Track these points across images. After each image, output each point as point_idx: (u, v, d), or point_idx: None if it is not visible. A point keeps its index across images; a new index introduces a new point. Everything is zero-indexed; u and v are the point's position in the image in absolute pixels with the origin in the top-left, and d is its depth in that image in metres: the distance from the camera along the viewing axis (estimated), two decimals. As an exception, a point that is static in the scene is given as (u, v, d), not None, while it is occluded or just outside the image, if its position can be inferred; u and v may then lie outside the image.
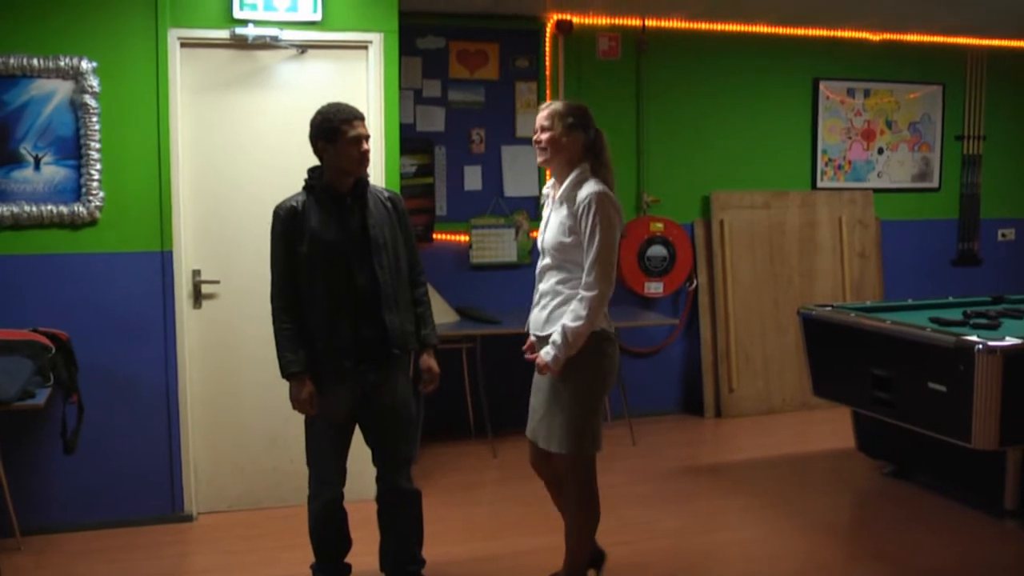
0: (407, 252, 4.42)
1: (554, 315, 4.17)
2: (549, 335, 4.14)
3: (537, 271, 4.32)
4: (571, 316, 4.03)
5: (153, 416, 5.56)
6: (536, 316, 4.29)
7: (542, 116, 4.22)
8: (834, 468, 6.60)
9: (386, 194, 4.44)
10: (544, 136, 4.19)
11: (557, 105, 4.23)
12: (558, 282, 4.18)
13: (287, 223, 4.21)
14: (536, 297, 4.32)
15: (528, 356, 4.37)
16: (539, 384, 4.29)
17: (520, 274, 7.58)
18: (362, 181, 4.28)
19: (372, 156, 4.33)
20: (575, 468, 4.26)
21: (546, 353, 4.09)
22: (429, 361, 4.51)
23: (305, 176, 4.30)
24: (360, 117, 4.23)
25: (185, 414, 5.61)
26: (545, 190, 4.38)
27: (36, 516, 5.38)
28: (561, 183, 4.22)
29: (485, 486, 6.40)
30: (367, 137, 4.23)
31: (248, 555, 5.18)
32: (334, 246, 4.17)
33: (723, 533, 5.47)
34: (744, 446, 7.29)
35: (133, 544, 5.32)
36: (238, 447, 5.80)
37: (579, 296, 4.05)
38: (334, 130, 4.14)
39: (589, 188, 4.09)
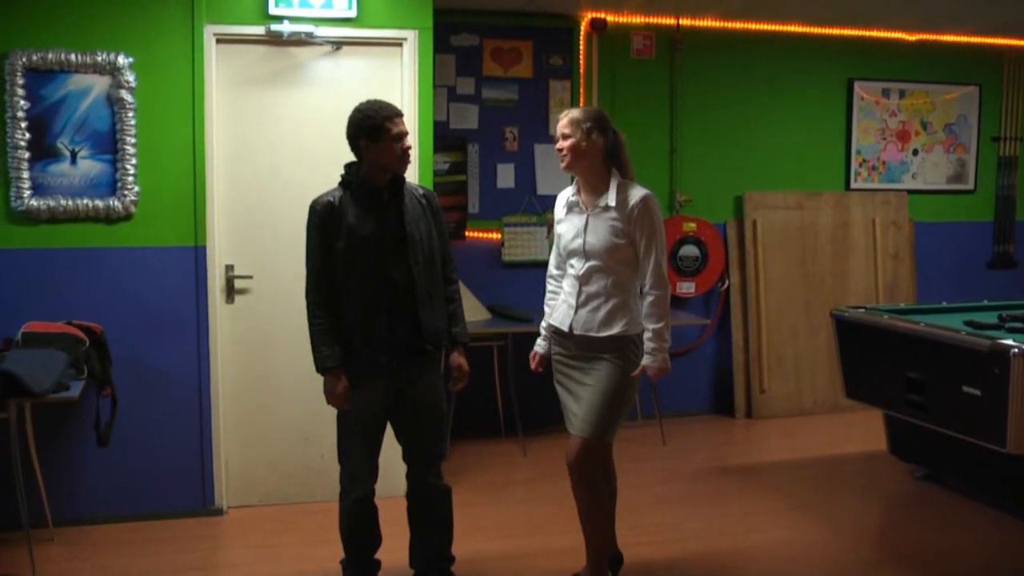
0: (441, 249, 4.41)
1: (615, 317, 4.33)
2: (606, 336, 4.32)
3: (578, 274, 4.37)
4: (654, 319, 4.33)
5: (185, 410, 5.59)
6: (587, 317, 4.36)
7: (562, 124, 4.36)
8: (865, 471, 6.56)
9: (420, 191, 4.44)
10: (566, 144, 4.33)
11: (575, 113, 4.38)
12: (613, 284, 4.33)
13: (324, 218, 4.20)
14: (580, 298, 4.37)
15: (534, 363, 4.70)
16: (584, 380, 4.39)
17: (551, 272, 7.57)
18: (398, 177, 4.28)
19: (405, 153, 4.34)
20: (603, 451, 4.53)
21: (657, 360, 4.34)
22: (459, 359, 4.52)
23: (341, 172, 4.30)
24: (400, 114, 4.25)
25: (217, 408, 5.64)
26: (571, 196, 4.48)
27: (69, 507, 5.43)
28: (590, 188, 4.40)
29: (515, 484, 6.40)
30: (407, 134, 4.25)
31: (278, 549, 5.20)
32: (370, 242, 4.17)
33: (752, 535, 5.44)
34: (774, 448, 7.26)
35: (164, 537, 5.36)
36: (269, 442, 5.82)
37: (651, 298, 4.32)
38: (377, 127, 4.13)
39: (638, 191, 4.33)
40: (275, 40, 5.61)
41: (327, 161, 5.50)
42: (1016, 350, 4.80)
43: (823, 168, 8.38)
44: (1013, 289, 8.57)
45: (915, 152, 8.64)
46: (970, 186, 8.84)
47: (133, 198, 5.39)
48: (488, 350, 7.18)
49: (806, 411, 8.06)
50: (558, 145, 4.37)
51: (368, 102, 4.25)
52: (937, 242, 8.71)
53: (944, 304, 6.53)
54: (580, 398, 4.39)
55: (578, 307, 4.38)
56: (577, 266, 4.38)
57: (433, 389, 4.41)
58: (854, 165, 8.45)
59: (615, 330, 4.32)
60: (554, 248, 4.63)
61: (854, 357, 6.16)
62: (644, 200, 4.29)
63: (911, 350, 5.57)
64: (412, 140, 5.49)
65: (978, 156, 8.84)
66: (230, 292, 5.71)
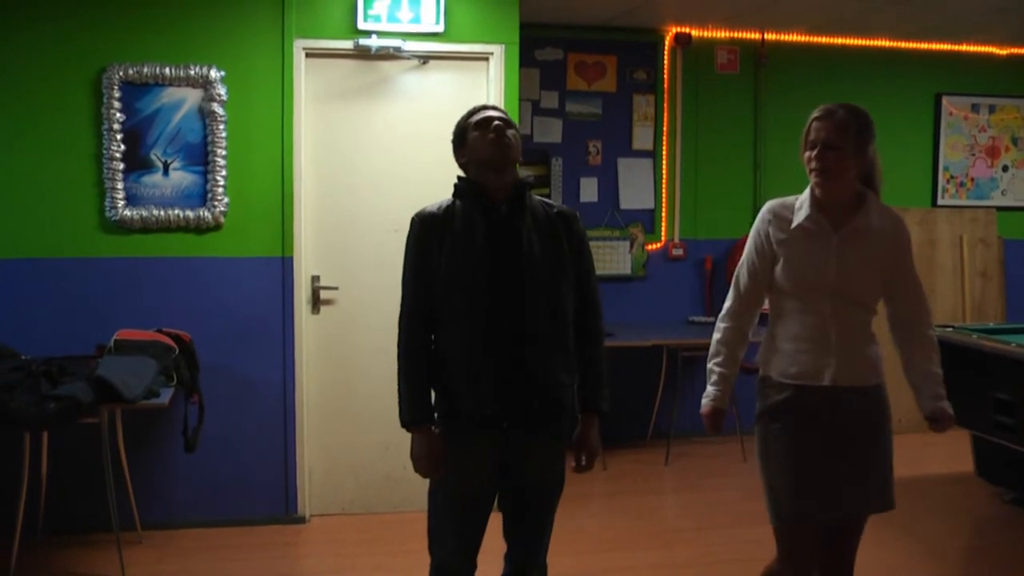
0: (580, 286, 3.47)
1: (878, 360, 3.51)
2: (874, 385, 3.47)
3: (827, 311, 3.42)
4: (936, 361, 3.52)
5: (270, 418, 5.67)
6: (853, 364, 3.43)
7: (822, 127, 3.38)
8: (952, 493, 6.44)
9: (555, 208, 3.49)
10: (831, 155, 3.35)
11: (843, 113, 3.38)
12: (867, 322, 3.49)
13: (425, 232, 3.38)
14: (838, 342, 3.42)
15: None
16: (854, 445, 3.46)
17: (634, 287, 7.58)
18: (521, 185, 3.39)
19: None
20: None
21: (947, 404, 3.45)
22: (589, 432, 3.50)
23: (454, 182, 3.47)
24: (485, 107, 3.48)
25: (301, 417, 5.71)
26: (808, 213, 3.45)
27: (156, 511, 5.54)
28: (837, 207, 3.44)
29: (595, 498, 6.38)
30: (501, 119, 3.39)
31: (360, 559, 5.25)
32: (477, 259, 3.30)
33: (836, 555, 5.37)
34: (857, 467, 7.15)
35: (247, 543, 5.44)
36: (352, 452, 5.88)
37: (928, 339, 3.54)
38: (459, 133, 3.46)
39: (895, 212, 3.53)
40: (363, 54, 5.67)
41: (413, 174, 5.59)
42: (1110, 372, 4.71)
43: (909, 184, 8.27)
44: (1105, 309, 8.37)
45: (1005, 168, 8.49)
46: (1062, 203, 8.68)
47: (223, 209, 5.49)
48: (568, 363, 7.17)
49: (890, 430, 7.92)
50: (814, 154, 3.39)
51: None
52: (1027, 260, 8.55)
53: (1035, 324, 6.42)
54: (862, 467, 3.47)
55: (838, 353, 3.41)
56: (819, 301, 3.42)
57: (548, 470, 3.49)
58: (941, 181, 8.33)
59: (881, 376, 3.49)
60: (744, 279, 3.59)
61: (941, 377, 6.05)
62: (904, 223, 3.52)
63: (1000, 371, 5.47)
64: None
65: (1070, 173, 8.68)
66: (316, 303, 5.78)
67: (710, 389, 3.62)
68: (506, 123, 3.38)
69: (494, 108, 3.46)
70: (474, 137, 3.37)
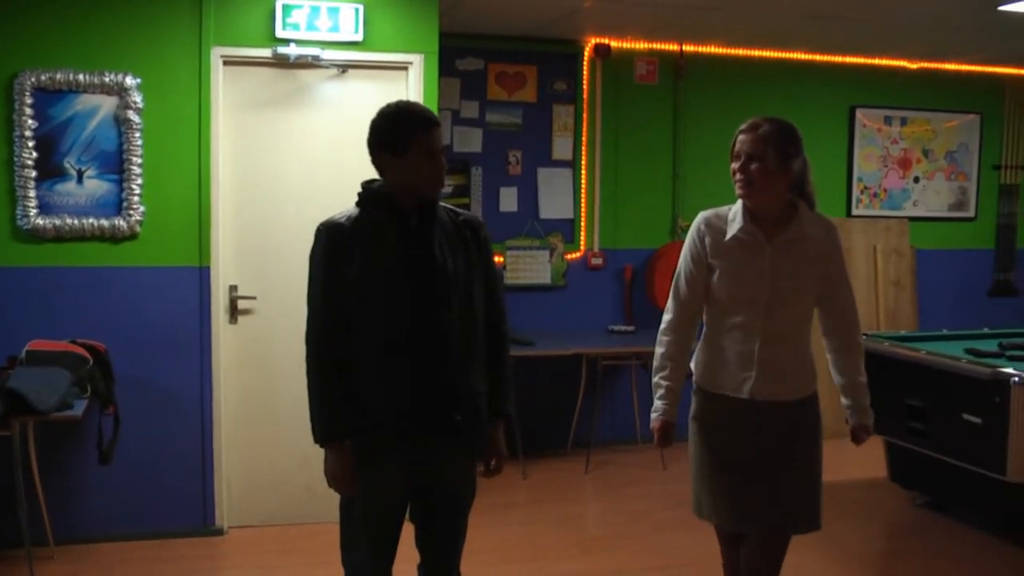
0: (487, 293, 3.44)
1: (806, 373, 3.60)
2: (799, 400, 3.57)
3: (756, 323, 3.45)
4: (862, 370, 3.65)
5: (187, 429, 5.60)
6: (775, 379, 3.49)
7: (746, 140, 3.43)
8: (865, 498, 6.54)
9: (461, 217, 3.45)
10: (754, 167, 3.39)
11: (767, 127, 3.42)
12: (799, 333, 3.54)
13: (332, 243, 3.28)
14: (761, 354, 3.46)
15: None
16: (776, 460, 3.53)
17: (554, 296, 7.60)
18: (431, 199, 3.36)
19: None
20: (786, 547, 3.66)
21: (872, 417, 3.71)
22: (498, 438, 3.52)
23: (358, 190, 3.40)
24: (437, 123, 3.35)
25: (219, 428, 5.64)
26: (741, 226, 3.47)
27: (70, 525, 5.42)
28: (769, 218, 3.48)
29: (516, 507, 6.39)
30: (444, 149, 3.36)
31: (279, 570, 5.20)
32: (391, 273, 3.25)
33: (753, 560, 5.43)
34: (775, 473, 7.23)
35: (164, 556, 5.36)
36: (271, 463, 5.82)
37: (855, 347, 3.63)
38: (404, 141, 3.25)
39: (826, 219, 3.58)
40: (281, 63, 5.64)
41: (332, 183, 5.57)
42: (1016, 378, 4.83)
43: (824, 194, 8.23)
44: (1014, 317, 8.57)
45: (916, 179, 8.68)
46: (971, 214, 8.88)
47: (138, 218, 5.41)
48: (490, 373, 7.18)
49: (806, 437, 8.03)
50: (738, 166, 3.44)
51: (397, 105, 3.39)
52: (938, 269, 8.73)
53: (945, 332, 6.55)
54: (775, 484, 3.51)
55: (759, 366, 3.45)
56: (751, 313, 3.45)
57: (462, 479, 3.48)
58: (855, 192, 8.49)
59: (810, 390, 3.59)
60: (683, 291, 3.61)
61: (855, 383, 6.16)
62: (836, 230, 3.57)
63: (912, 377, 5.58)
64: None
65: (979, 184, 8.88)
66: (233, 313, 5.72)
67: (658, 403, 3.58)
68: (444, 150, 3.36)
69: (434, 122, 3.35)
70: (420, 164, 3.25)
